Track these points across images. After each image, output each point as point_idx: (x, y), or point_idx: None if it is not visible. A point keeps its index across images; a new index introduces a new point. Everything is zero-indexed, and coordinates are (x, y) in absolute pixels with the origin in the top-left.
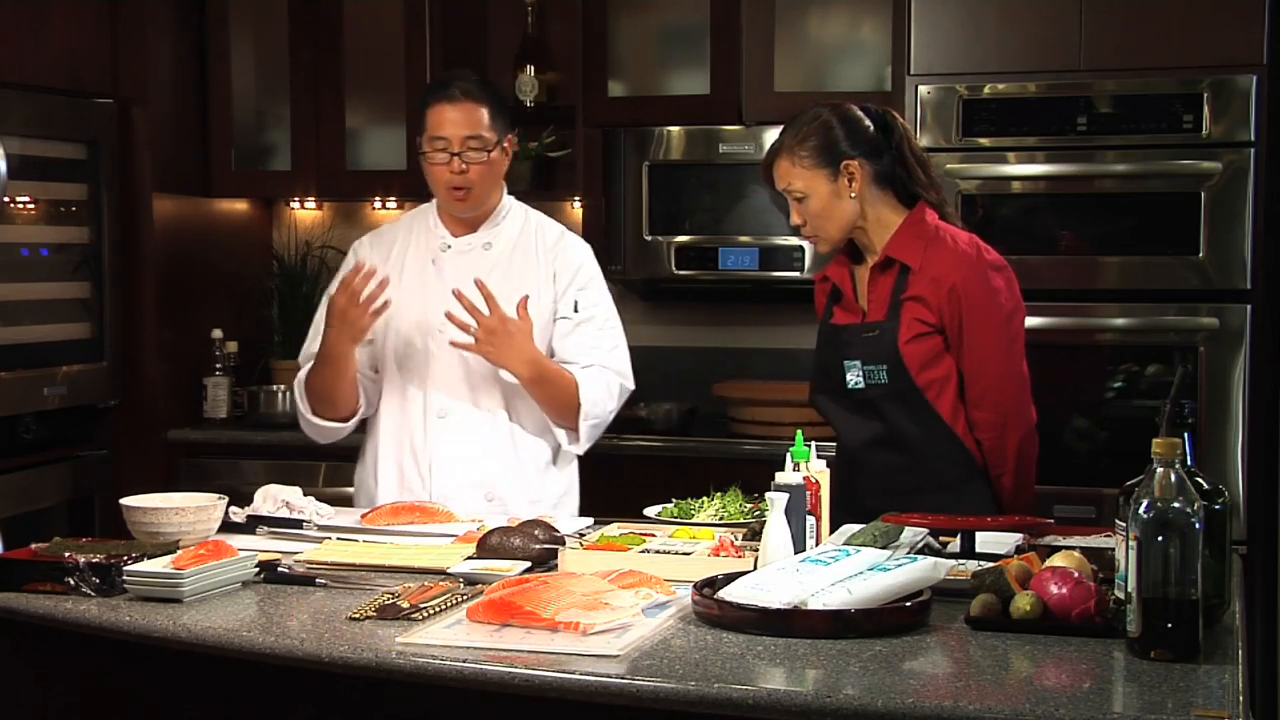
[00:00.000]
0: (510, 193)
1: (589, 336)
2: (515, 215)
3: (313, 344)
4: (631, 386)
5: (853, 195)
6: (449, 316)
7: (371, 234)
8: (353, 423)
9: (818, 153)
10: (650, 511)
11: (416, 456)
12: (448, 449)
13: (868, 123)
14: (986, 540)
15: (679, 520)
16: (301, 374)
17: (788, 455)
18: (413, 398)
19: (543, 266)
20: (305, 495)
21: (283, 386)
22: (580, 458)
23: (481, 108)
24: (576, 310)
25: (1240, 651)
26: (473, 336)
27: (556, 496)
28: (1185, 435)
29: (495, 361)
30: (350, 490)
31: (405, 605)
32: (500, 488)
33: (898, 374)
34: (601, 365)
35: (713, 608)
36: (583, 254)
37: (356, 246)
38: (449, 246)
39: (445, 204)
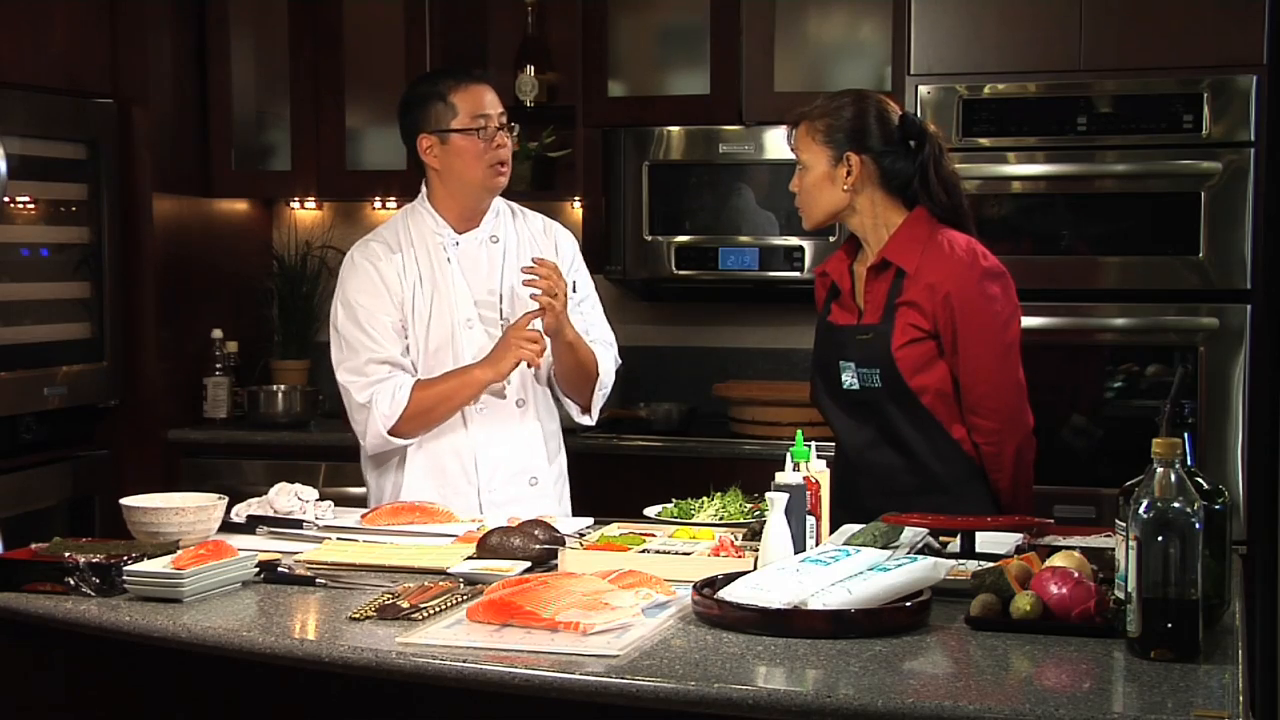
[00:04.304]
0: (511, 192)
1: (587, 315)
2: (500, 208)
3: (364, 353)
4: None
5: (846, 188)
6: (528, 285)
7: (374, 238)
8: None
9: (830, 133)
10: (650, 511)
11: (460, 452)
12: (491, 440)
13: (895, 127)
14: (986, 540)
15: (679, 520)
16: (400, 392)
17: (788, 455)
18: None
19: (549, 252)
20: (321, 500)
21: (282, 386)
22: (580, 458)
23: None
24: (575, 290)
25: (1240, 651)
26: (540, 303)
27: (560, 473)
28: (1185, 435)
29: (561, 319)
30: (352, 490)
31: (405, 605)
32: (540, 472)
33: (891, 378)
34: (601, 341)
35: (713, 608)
36: (570, 236)
37: (371, 257)
38: (457, 243)
39: (486, 183)
